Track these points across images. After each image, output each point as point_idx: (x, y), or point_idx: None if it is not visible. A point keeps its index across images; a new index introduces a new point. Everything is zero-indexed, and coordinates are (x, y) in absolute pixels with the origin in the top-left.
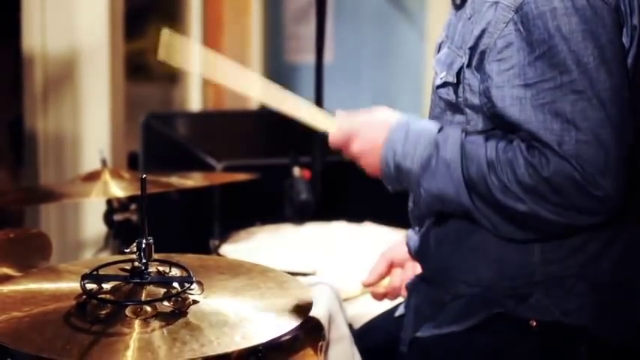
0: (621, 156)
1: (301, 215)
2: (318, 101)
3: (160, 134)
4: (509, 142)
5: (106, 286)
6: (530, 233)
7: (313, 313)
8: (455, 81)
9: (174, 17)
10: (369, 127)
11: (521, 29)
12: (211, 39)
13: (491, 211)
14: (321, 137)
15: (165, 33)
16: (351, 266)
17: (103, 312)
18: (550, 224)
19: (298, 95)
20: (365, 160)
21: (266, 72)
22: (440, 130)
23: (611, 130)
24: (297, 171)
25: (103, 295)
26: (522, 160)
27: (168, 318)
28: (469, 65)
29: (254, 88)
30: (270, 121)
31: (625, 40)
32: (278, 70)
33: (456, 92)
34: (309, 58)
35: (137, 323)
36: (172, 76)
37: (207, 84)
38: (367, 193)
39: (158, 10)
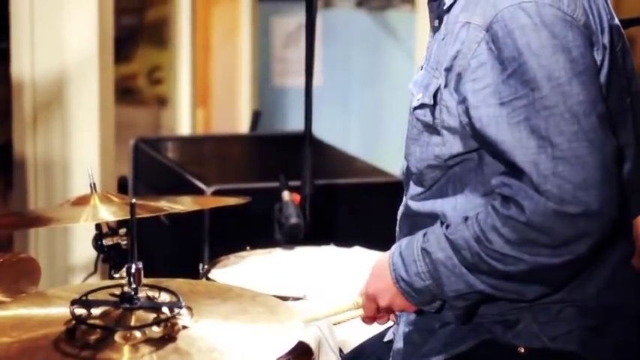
0: (601, 167)
1: (291, 239)
2: (308, 124)
3: (149, 158)
4: (486, 210)
5: (96, 311)
6: (555, 284)
7: (303, 337)
8: (432, 102)
9: (163, 41)
10: (378, 279)
11: (493, 48)
12: (201, 63)
13: (506, 283)
14: (311, 161)
15: None
16: (340, 291)
17: (93, 337)
18: (560, 269)
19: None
20: (396, 305)
21: (255, 96)
22: (424, 235)
23: (586, 142)
24: (286, 195)
25: (92, 321)
26: (500, 219)
27: (157, 343)
28: (446, 86)
29: None
30: (259, 145)
31: (597, 59)
32: (267, 94)
33: (432, 114)
34: (298, 82)
35: (127, 349)
36: (162, 100)
37: (196, 108)
38: (356, 217)
39: (148, 34)
